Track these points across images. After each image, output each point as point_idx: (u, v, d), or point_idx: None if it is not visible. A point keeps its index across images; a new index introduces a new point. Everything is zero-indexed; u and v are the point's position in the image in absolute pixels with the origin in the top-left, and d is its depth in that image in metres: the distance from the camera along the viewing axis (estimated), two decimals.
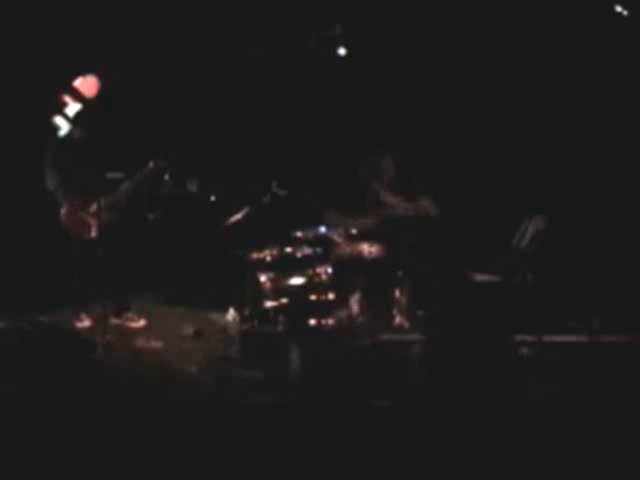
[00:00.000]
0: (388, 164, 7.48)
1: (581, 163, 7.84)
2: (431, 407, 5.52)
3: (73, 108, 7.02)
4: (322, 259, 6.95)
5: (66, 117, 6.95)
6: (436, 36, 8.12)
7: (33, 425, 4.99)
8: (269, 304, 6.70)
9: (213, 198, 7.26)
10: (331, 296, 6.79)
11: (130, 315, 7.40)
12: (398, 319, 7.02)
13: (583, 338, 6.59)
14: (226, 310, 6.85)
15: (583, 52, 7.86)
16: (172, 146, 7.34)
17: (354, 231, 7.22)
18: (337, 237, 7.16)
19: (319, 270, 6.84)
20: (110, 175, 7.04)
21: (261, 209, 7.10)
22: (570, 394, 5.70)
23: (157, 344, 6.93)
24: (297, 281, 6.80)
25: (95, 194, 7.00)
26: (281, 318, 6.62)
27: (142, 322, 7.39)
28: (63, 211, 7.04)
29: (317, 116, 8.42)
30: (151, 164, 7.07)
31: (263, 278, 6.77)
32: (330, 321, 6.71)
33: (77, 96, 7.03)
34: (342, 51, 8.36)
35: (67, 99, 7.02)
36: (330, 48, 8.38)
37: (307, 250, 6.96)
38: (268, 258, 6.88)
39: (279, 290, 6.74)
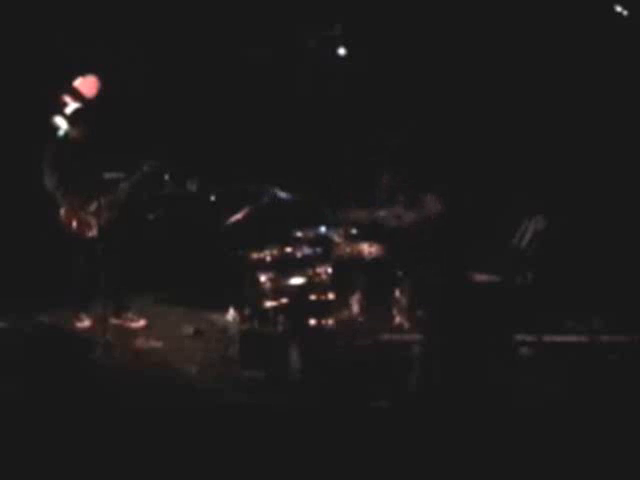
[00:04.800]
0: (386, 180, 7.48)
1: (581, 163, 7.84)
2: (431, 407, 5.52)
3: (73, 108, 7.03)
4: (322, 259, 6.94)
5: (66, 117, 6.95)
6: (436, 36, 8.12)
7: (33, 425, 4.99)
8: (269, 304, 6.70)
9: (213, 198, 7.27)
10: (331, 296, 6.78)
11: (130, 315, 7.40)
12: (398, 319, 7.02)
13: (583, 338, 6.59)
14: (226, 310, 6.85)
15: (583, 52, 7.86)
16: (172, 146, 7.34)
17: (354, 231, 7.22)
18: (337, 237, 7.15)
19: (319, 270, 6.83)
20: (109, 175, 7.05)
21: (261, 209, 7.10)
22: (570, 394, 5.70)
23: (157, 344, 6.93)
24: (297, 281, 6.80)
25: (94, 194, 7.00)
26: (281, 318, 6.62)
27: (142, 322, 7.39)
28: (63, 211, 7.04)
29: (317, 116, 8.43)
30: (146, 167, 7.07)
31: (263, 278, 6.77)
32: (330, 321, 6.71)
33: (77, 96, 7.04)
34: (342, 51, 8.36)
35: (67, 99, 7.03)
36: (330, 48, 8.38)
37: (307, 250, 6.96)
38: (268, 258, 6.88)
39: (279, 290, 6.74)
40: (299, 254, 6.92)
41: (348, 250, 7.11)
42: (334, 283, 6.83)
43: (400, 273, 7.07)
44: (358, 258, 7.08)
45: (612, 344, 6.48)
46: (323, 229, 7.16)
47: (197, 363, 6.48)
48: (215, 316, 7.21)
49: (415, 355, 6.26)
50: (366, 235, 7.17)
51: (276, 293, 6.73)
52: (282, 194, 7.07)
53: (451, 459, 4.75)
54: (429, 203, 7.27)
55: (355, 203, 7.41)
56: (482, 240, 7.24)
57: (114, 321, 7.16)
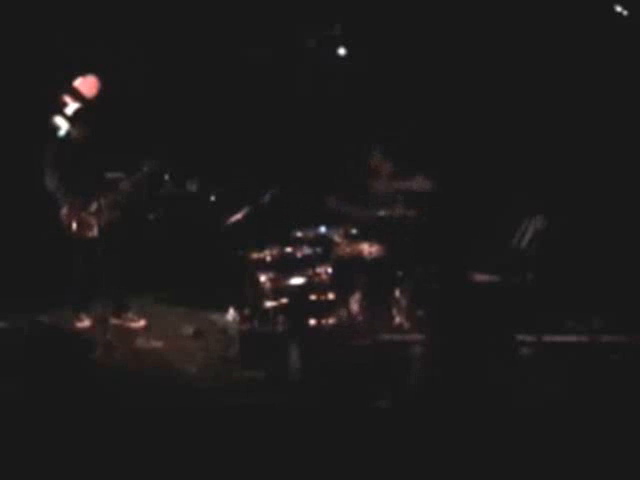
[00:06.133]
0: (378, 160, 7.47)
1: (581, 163, 7.84)
2: (431, 407, 5.52)
3: (73, 108, 7.03)
4: (322, 259, 6.95)
5: (66, 117, 6.95)
6: (436, 35, 8.12)
7: (33, 425, 4.99)
8: (269, 304, 6.70)
9: (213, 198, 7.27)
10: (331, 296, 6.79)
11: (130, 315, 7.40)
12: (398, 319, 7.01)
13: (583, 338, 6.59)
14: (226, 310, 6.85)
15: (583, 52, 7.86)
16: (172, 146, 7.34)
17: (354, 231, 7.22)
18: (337, 237, 7.15)
19: (319, 270, 6.84)
20: (109, 175, 7.06)
21: (261, 209, 7.11)
22: (570, 394, 5.70)
23: (157, 344, 6.93)
24: (297, 281, 6.80)
25: (95, 194, 7.01)
26: (281, 318, 6.62)
27: (142, 322, 7.39)
28: (63, 211, 7.04)
29: (317, 116, 8.43)
30: (146, 167, 7.07)
31: (263, 278, 6.78)
32: (330, 321, 6.71)
33: (77, 96, 7.04)
34: (342, 51, 8.37)
35: (67, 99, 7.03)
36: (330, 48, 8.38)
37: (307, 250, 6.96)
38: (268, 258, 6.88)
39: (279, 290, 6.75)
40: (299, 254, 6.93)
41: (348, 250, 7.11)
42: (334, 283, 6.84)
43: (400, 273, 7.07)
44: (358, 258, 7.08)
45: (612, 344, 6.48)
46: (323, 229, 7.16)
47: (197, 363, 6.48)
48: (215, 316, 7.22)
49: (415, 355, 6.26)
50: (366, 235, 7.17)
51: (276, 293, 6.73)
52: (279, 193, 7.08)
53: (451, 459, 4.75)
54: (419, 181, 7.23)
55: (355, 201, 7.42)
56: (482, 240, 7.24)
57: (114, 321, 7.16)
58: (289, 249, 6.94)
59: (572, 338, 6.65)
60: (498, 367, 6.02)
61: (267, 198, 7.11)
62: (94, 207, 7.02)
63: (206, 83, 8.42)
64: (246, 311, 6.75)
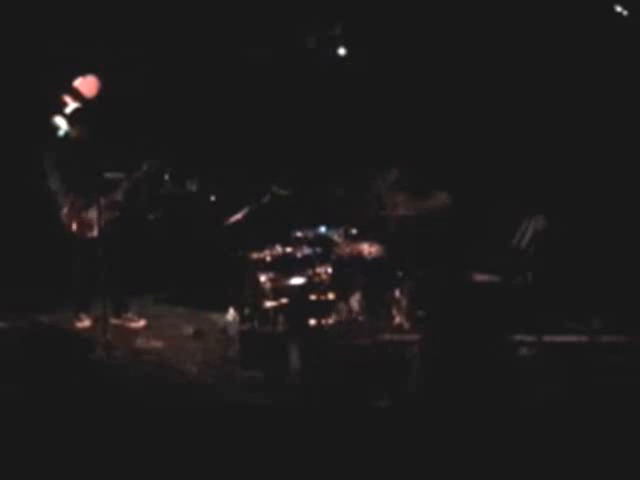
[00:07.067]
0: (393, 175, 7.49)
1: (581, 163, 7.84)
2: (431, 407, 5.52)
3: (73, 108, 7.03)
4: (322, 259, 6.95)
5: (66, 117, 6.96)
6: (436, 35, 8.13)
7: (33, 425, 4.99)
8: (269, 304, 6.70)
9: (213, 198, 7.27)
10: (331, 296, 6.79)
11: (130, 315, 7.40)
12: (398, 319, 7.01)
13: (583, 338, 6.59)
14: (226, 310, 6.85)
15: (583, 52, 7.86)
16: (172, 146, 7.34)
17: (354, 231, 7.22)
18: (337, 237, 7.16)
19: (319, 270, 6.84)
20: (109, 175, 7.05)
21: (261, 209, 7.11)
22: (570, 394, 5.70)
23: (157, 344, 6.93)
24: (297, 281, 6.80)
25: (95, 194, 7.00)
26: (281, 318, 6.62)
27: (142, 322, 7.40)
28: (63, 211, 7.04)
29: (316, 116, 8.43)
30: (145, 166, 7.07)
31: (263, 278, 6.77)
32: (330, 321, 6.71)
33: (77, 96, 7.04)
34: (342, 51, 8.37)
35: (67, 99, 7.03)
36: (330, 48, 8.38)
37: (307, 250, 6.96)
38: (268, 258, 6.88)
39: (279, 290, 6.74)
40: (299, 254, 6.93)
41: (348, 250, 7.11)
42: (334, 283, 6.83)
43: (400, 273, 7.07)
44: (358, 258, 7.08)
45: (612, 344, 6.48)
46: (323, 229, 7.16)
47: (197, 363, 6.48)
48: (215, 316, 7.22)
49: (415, 355, 6.26)
50: (366, 235, 7.18)
51: (276, 293, 6.72)
52: (281, 191, 7.08)
53: (451, 459, 4.75)
54: (439, 198, 7.24)
55: (356, 202, 7.43)
56: (482, 240, 7.24)
57: (114, 321, 7.15)
58: (289, 249, 6.95)
59: (572, 338, 6.64)
60: (498, 367, 6.02)
61: (267, 198, 7.11)
62: (94, 207, 7.02)
63: (206, 83, 8.42)
64: (246, 311, 6.75)
